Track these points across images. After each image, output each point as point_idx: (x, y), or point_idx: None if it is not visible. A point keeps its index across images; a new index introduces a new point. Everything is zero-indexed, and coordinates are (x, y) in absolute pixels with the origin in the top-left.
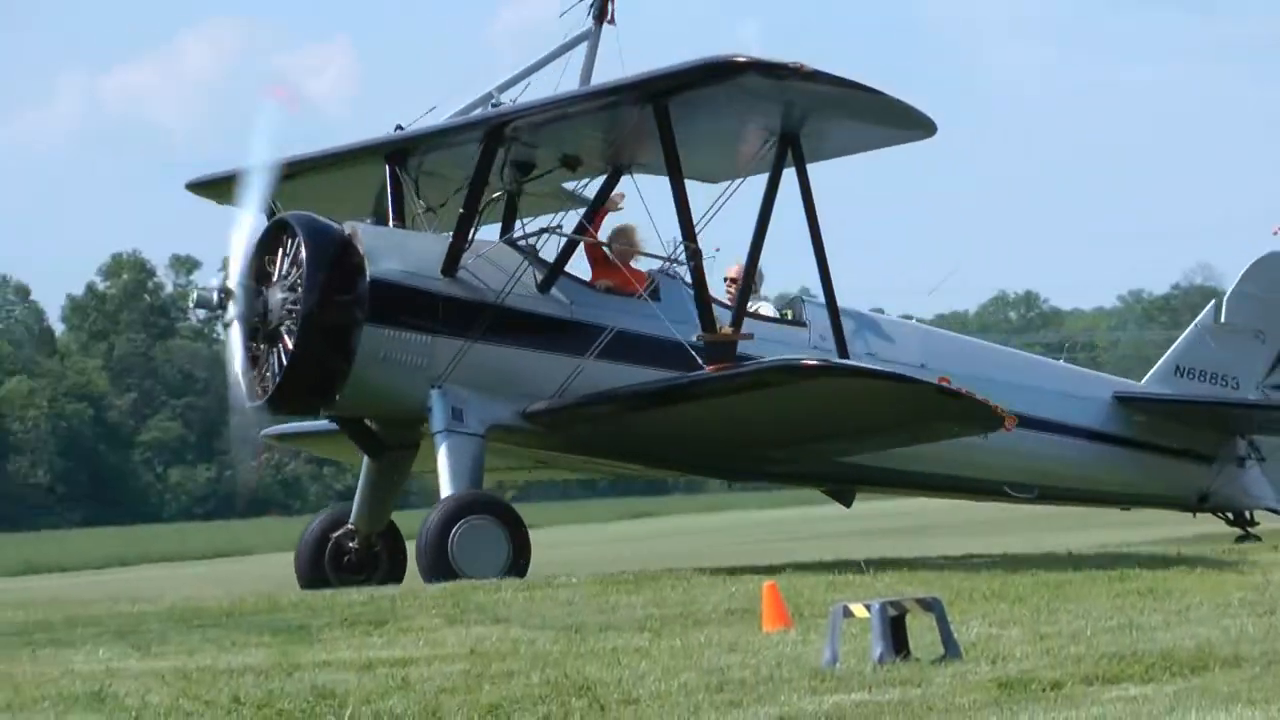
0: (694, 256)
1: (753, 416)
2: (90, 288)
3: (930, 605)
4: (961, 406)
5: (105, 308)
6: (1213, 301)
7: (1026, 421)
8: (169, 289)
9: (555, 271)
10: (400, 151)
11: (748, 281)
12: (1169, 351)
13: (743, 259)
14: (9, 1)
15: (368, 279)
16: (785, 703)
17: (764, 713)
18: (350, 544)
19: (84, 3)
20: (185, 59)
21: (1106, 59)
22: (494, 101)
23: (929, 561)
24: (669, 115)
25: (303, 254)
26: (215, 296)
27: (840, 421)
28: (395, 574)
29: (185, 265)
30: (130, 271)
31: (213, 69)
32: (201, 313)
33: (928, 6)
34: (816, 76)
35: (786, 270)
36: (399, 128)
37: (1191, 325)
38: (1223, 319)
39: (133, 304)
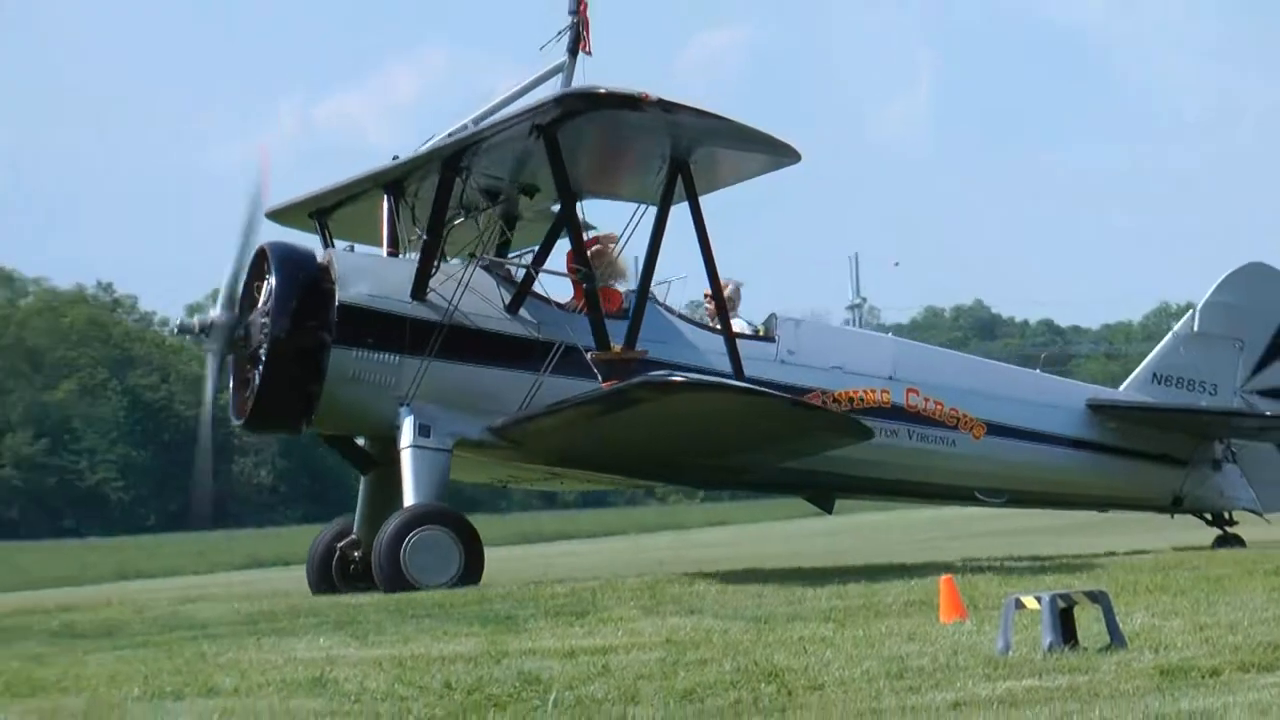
0: (586, 280)
1: (655, 429)
2: None
3: (1097, 598)
4: (825, 419)
5: None
6: (1190, 311)
7: (996, 429)
8: None
9: (522, 293)
10: (395, 181)
11: (641, 300)
12: (1147, 359)
13: (725, 279)
14: (233, 29)
15: (336, 303)
16: (961, 689)
17: (941, 698)
18: (354, 554)
19: (301, 31)
20: (395, 85)
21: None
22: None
23: (1096, 558)
24: (558, 144)
25: (273, 281)
26: (197, 325)
27: (728, 432)
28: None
29: None
30: None
31: (420, 95)
32: (186, 337)
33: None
34: (666, 106)
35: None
36: (395, 158)
37: (1169, 334)
38: (1197, 328)
39: None
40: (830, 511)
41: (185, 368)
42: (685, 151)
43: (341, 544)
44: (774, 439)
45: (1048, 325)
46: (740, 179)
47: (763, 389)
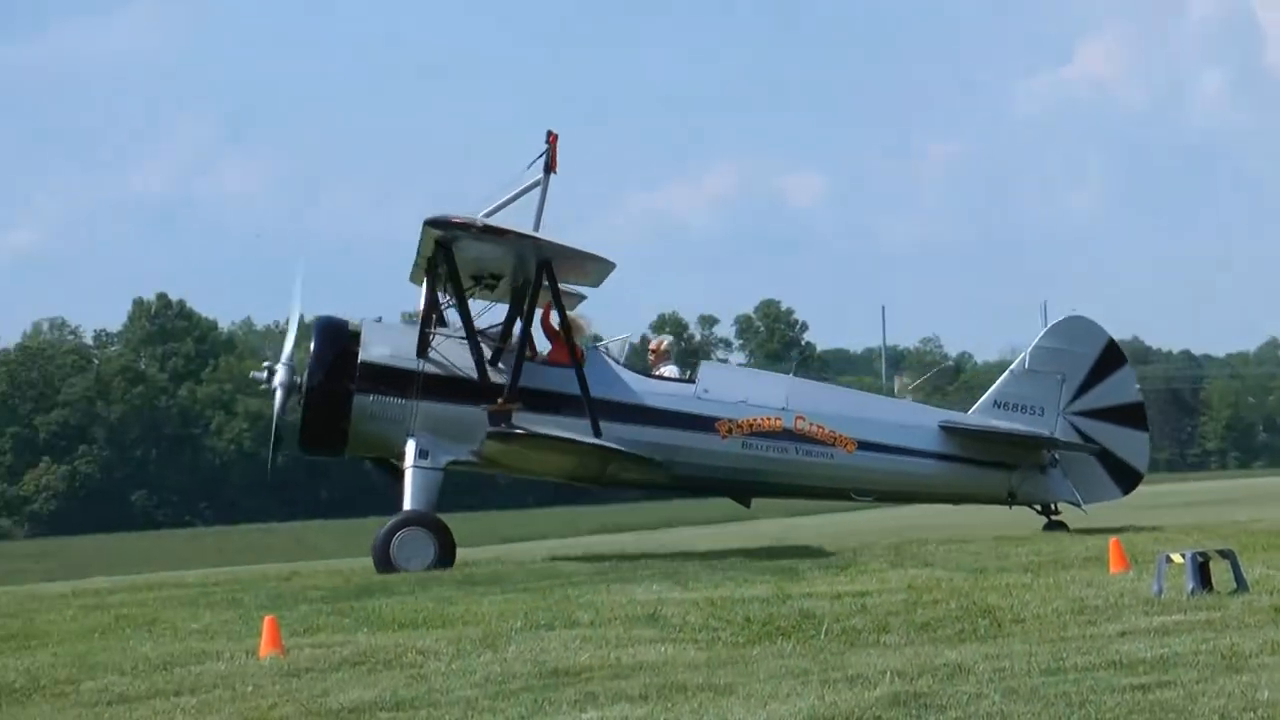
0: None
1: (545, 457)
2: None
3: (1227, 554)
4: (619, 455)
5: None
6: (1023, 353)
7: (865, 445)
8: None
9: (501, 350)
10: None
11: (519, 358)
12: (990, 390)
13: (662, 337)
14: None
15: (359, 362)
16: (1126, 621)
17: (1111, 629)
18: None
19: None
20: (709, 181)
21: None
22: None
23: (1225, 524)
24: (451, 251)
25: (313, 346)
26: (265, 373)
27: (574, 460)
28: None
29: None
30: None
31: (730, 189)
32: (261, 383)
33: None
34: (490, 230)
35: None
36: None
37: (1007, 370)
38: (1027, 366)
39: None
40: (749, 507)
41: None
42: (548, 256)
43: None
44: (604, 464)
45: (1185, 354)
46: (598, 278)
47: (571, 437)
